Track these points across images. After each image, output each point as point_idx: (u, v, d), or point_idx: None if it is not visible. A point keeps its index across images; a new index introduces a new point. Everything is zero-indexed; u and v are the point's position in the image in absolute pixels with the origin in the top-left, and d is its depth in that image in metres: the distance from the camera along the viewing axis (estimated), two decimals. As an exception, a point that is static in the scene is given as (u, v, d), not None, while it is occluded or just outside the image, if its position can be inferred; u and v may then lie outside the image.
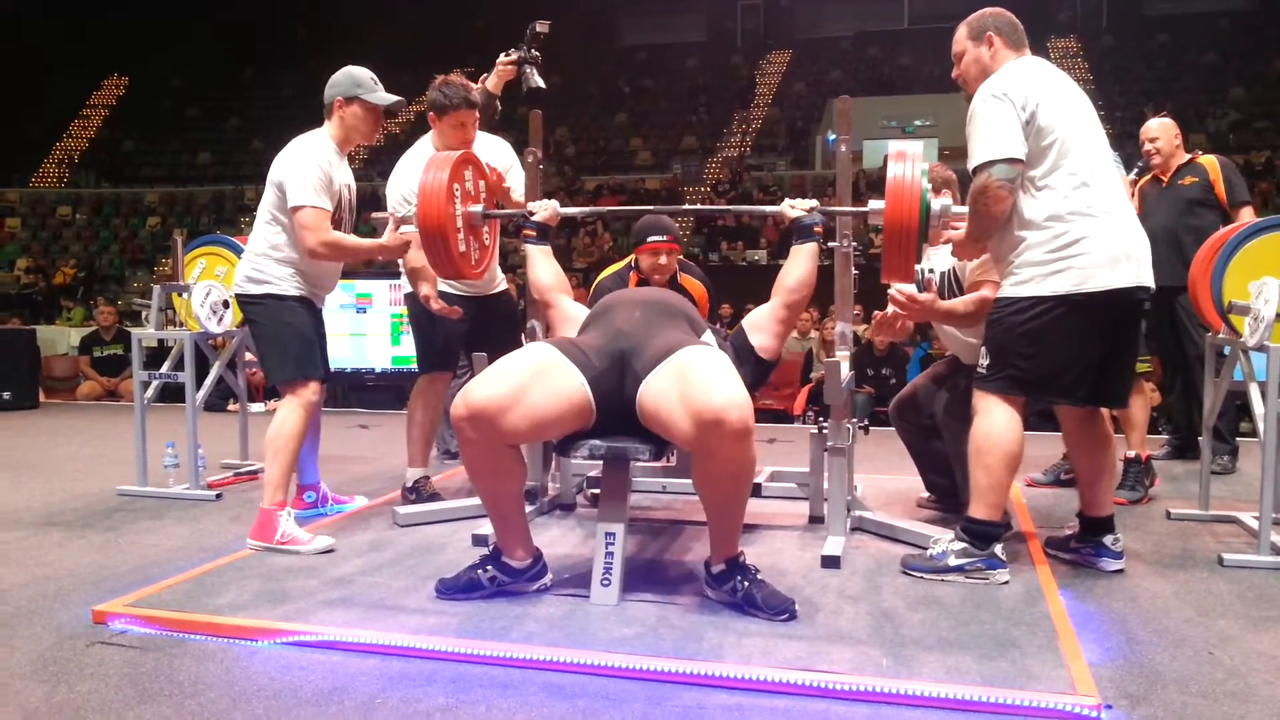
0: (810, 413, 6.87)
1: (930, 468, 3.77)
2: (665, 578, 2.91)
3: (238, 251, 4.49)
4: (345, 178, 3.44)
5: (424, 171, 3.04)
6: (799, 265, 2.99)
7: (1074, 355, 2.77)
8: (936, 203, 2.86)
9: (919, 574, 2.87)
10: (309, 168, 3.26)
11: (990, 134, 2.71)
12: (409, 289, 3.78)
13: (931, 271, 3.54)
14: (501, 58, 3.98)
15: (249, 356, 4.58)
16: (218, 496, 4.08)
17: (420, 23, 21.94)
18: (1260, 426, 3.10)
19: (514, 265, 8.13)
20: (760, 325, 2.99)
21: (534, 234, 3.24)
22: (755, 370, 2.93)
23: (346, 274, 3.90)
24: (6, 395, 7.45)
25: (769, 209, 3.19)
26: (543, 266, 3.23)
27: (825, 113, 19.74)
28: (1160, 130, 4.56)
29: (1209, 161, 4.53)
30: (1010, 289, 2.81)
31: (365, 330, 7.29)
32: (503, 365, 2.58)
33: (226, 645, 2.38)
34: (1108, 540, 2.99)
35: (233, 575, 2.89)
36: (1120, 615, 2.58)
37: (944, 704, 2.02)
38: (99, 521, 3.69)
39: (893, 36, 22.95)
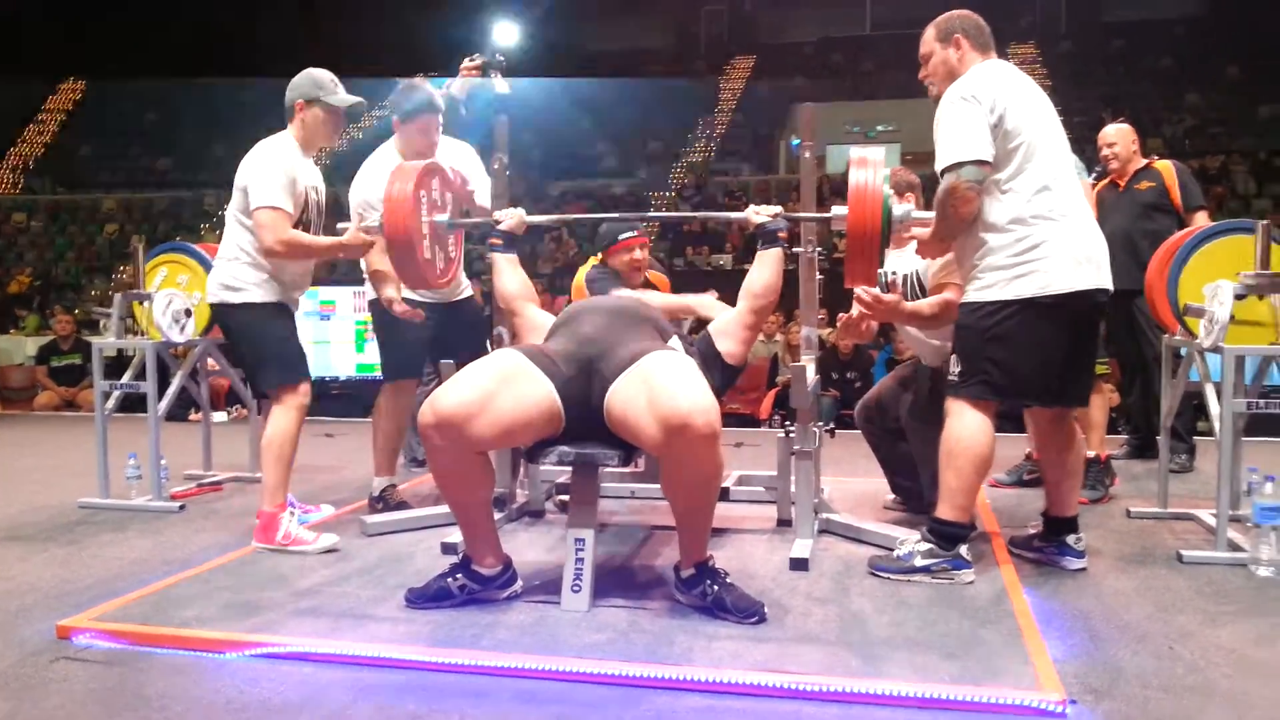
0: (777, 416, 6.90)
1: (896, 470, 3.81)
2: (635, 583, 2.91)
3: (200, 259, 4.43)
4: (311, 180, 3.42)
5: (389, 183, 3.03)
6: (764, 271, 3.00)
7: (1042, 357, 2.81)
8: (899, 208, 2.90)
9: (886, 575, 2.89)
10: (271, 169, 3.25)
11: (959, 136, 2.73)
12: (373, 295, 3.75)
13: (895, 273, 3.57)
14: (466, 62, 3.98)
15: (211, 365, 4.52)
16: (181, 508, 4.02)
17: (383, 29, 21.77)
18: (1216, 426, 3.17)
19: (479, 271, 8.09)
20: (726, 331, 3.00)
21: (500, 243, 3.24)
22: (722, 376, 2.94)
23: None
24: (-39, 407, 7.31)
25: (734, 215, 3.21)
26: (509, 275, 3.22)
27: (789, 118, 19.83)
28: (1118, 136, 4.64)
29: (1165, 166, 4.60)
30: (975, 293, 2.84)
31: (329, 337, 7.23)
32: (470, 372, 2.58)
33: (194, 658, 2.35)
34: (1070, 539, 3.04)
35: (199, 587, 2.86)
36: (1083, 612, 2.63)
37: (913, 703, 2.05)
38: (61, 535, 3.63)
39: (856, 42, 23.09)
